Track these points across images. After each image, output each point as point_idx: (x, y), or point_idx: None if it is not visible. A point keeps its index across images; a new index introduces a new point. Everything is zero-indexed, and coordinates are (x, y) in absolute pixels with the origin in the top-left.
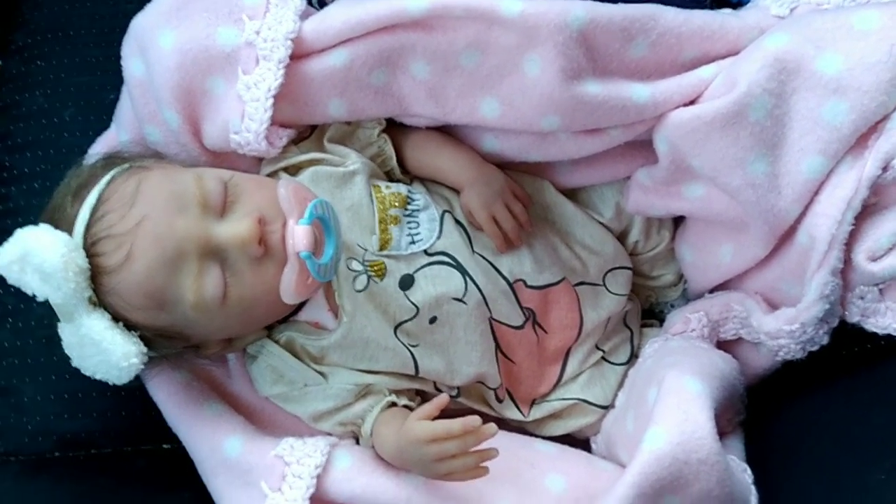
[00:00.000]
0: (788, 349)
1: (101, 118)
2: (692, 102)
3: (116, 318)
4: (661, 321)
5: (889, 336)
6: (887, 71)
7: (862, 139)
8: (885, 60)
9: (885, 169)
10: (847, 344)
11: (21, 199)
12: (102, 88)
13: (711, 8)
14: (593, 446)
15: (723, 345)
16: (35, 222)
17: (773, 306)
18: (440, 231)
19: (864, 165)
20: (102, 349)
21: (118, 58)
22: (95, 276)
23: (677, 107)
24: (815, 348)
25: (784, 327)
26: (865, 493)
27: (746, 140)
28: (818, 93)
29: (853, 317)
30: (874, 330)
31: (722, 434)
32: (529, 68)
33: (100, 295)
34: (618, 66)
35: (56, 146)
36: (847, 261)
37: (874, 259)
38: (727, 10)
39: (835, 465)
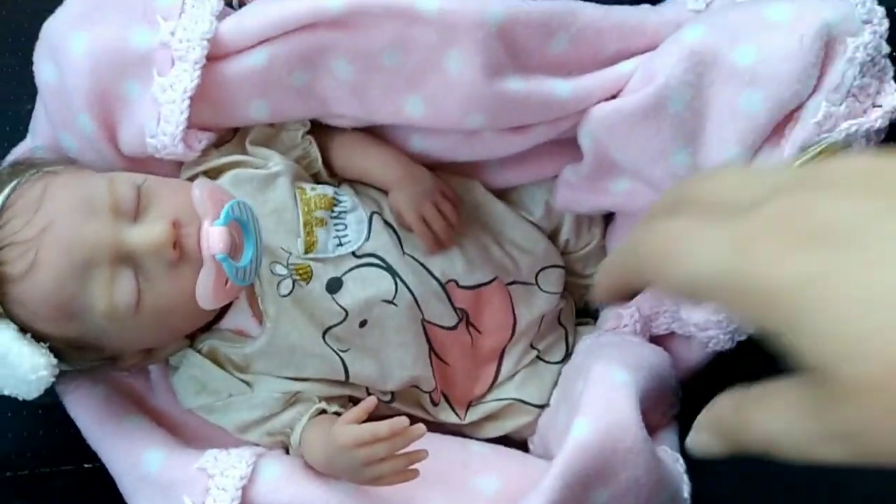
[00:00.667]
0: (717, 340)
1: (18, 129)
2: (614, 97)
3: (23, 328)
4: (596, 319)
5: None
6: (799, 60)
7: (778, 128)
8: (797, 50)
9: None
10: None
11: None
12: (18, 99)
13: (631, 3)
14: (531, 447)
15: (655, 340)
16: None
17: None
18: (368, 232)
19: (782, 154)
20: (8, 362)
21: (31, 65)
22: (0, 285)
23: (599, 101)
24: (742, 338)
25: (711, 318)
26: (793, 477)
27: (667, 132)
28: (734, 83)
29: None
30: None
31: (656, 427)
32: (451, 66)
33: (4, 305)
34: (539, 62)
35: None
36: None
37: None
38: (646, 6)
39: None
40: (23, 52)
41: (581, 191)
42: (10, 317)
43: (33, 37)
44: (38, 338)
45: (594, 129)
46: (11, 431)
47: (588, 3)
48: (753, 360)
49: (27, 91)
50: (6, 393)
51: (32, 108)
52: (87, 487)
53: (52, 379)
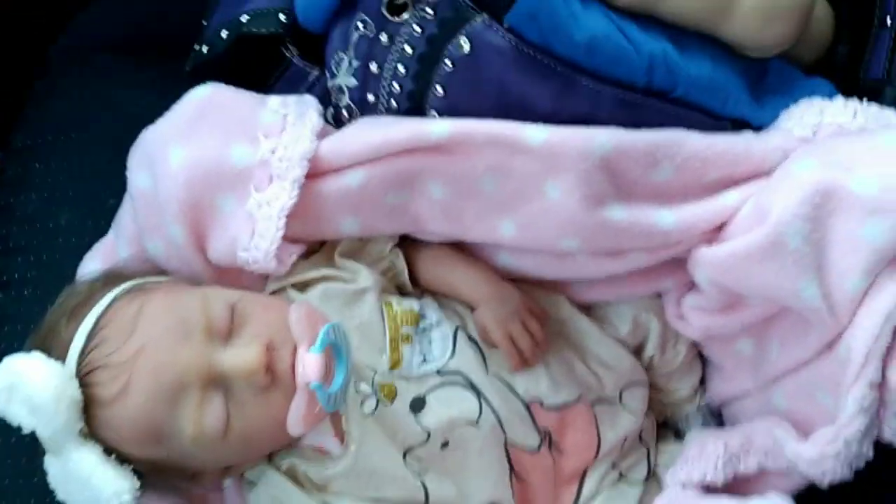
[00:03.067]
0: (835, 472)
1: (99, 223)
2: (719, 229)
3: (108, 451)
4: (676, 434)
5: None
6: None
7: None
8: None
9: None
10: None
11: (10, 307)
12: (102, 193)
13: (732, 130)
14: None
15: (742, 479)
16: (24, 332)
17: (801, 431)
18: (453, 349)
19: None
20: (91, 485)
21: (120, 163)
22: (88, 407)
23: (702, 232)
24: (861, 464)
25: (827, 450)
26: None
27: (790, 269)
28: (855, 214)
29: (886, 435)
30: None
31: None
32: (551, 193)
33: (92, 427)
34: (641, 190)
35: (50, 251)
36: (883, 379)
37: None
38: (749, 133)
39: None
40: (111, 148)
41: (718, 316)
42: (96, 439)
43: (118, 131)
44: (122, 459)
45: (710, 274)
46: None
47: (692, 132)
48: None
49: (111, 186)
50: None
51: (116, 202)
52: None
53: (134, 502)
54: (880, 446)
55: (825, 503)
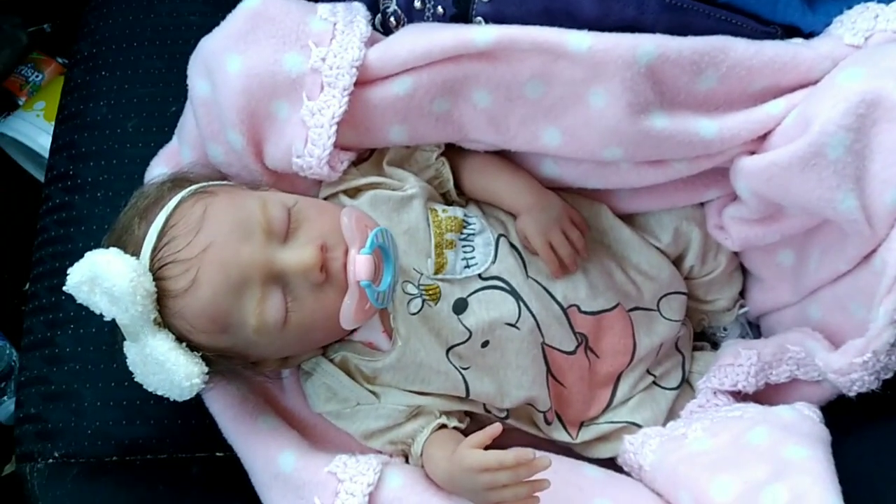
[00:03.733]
0: (863, 381)
1: (164, 130)
2: (762, 139)
3: (180, 339)
4: (713, 344)
5: None
6: None
7: None
8: None
9: None
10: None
11: (84, 208)
12: (164, 100)
13: (782, 38)
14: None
15: (773, 388)
16: (97, 232)
17: (832, 343)
18: (495, 255)
19: None
20: (166, 369)
21: (181, 70)
22: (161, 298)
23: (744, 143)
24: (888, 375)
25: (856, 360)
26: None
27: (830, 179)
28: None
29: None
30: None
31: None
32: (595, 101)
33: (165, 317)
34: (685, 99)
35: (119, 156)
36: None
37: None
38: (798, 40)
39: None
40: (169, 55)
41: (758, 226)
42: (170, 328)
43: (178, 41)
44: (193, 348)
45: (751, 183)
46: (153, 418)
47: (739, 39)
48: None
49: (173, 93)
50: (160, 394)
51: (178, 109)
52: (220, 475)
53: (203, 385)
54: None
55: (852, 414)
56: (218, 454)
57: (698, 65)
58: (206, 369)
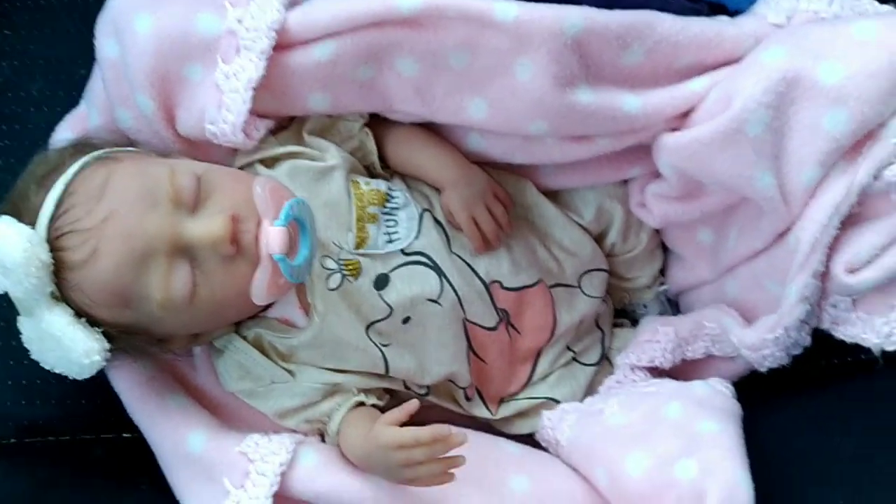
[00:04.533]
0: (774, 357)
1: (71, 94)
2: (684, 116)
3: (79, 313)
4: (633, 321)
5: (858, 354)
6: (887, 80)
7: (856, 145)
8: (886, 69)
9: (875, 177)
10: (817, 357)
11: None
12: (73, 63)
13: (708, 15)
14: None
15: (689, 364)
16: None
17: (746, 319)
18: (419, 230)
19: (857, 172)
20: (63, 345)
21: (90, 31)
22: (59, 270)
23: (668, 119)
24: (798, 351)
25: (767, 336)
26: None
27: (749, 156)
28: (819, 102)
29: (824, 323)
30: (842, 338)
31: None
32: (521, 72)
33: (62, 290)
34: (611, 73)
35: (22, 121)
36: (825, 270)
37: (852, 271)
38: (724, 18)
39: (799, 490)
40: (80, 15)
41: (679, 203)
42: (67, 301)
43: (89, 1)
44: (93, 323)
45: (672, 159)
46: (54, 398)
47: (666, 15)
48: None
49: (82, 55)
50: (58, 372)
51: (87, 72)
52: (125, 457)
53: (104, 363)
54: (817, 333)
55: (766, 391)
56: (124, 435)
57: (624, 39)
58: (107, 346)
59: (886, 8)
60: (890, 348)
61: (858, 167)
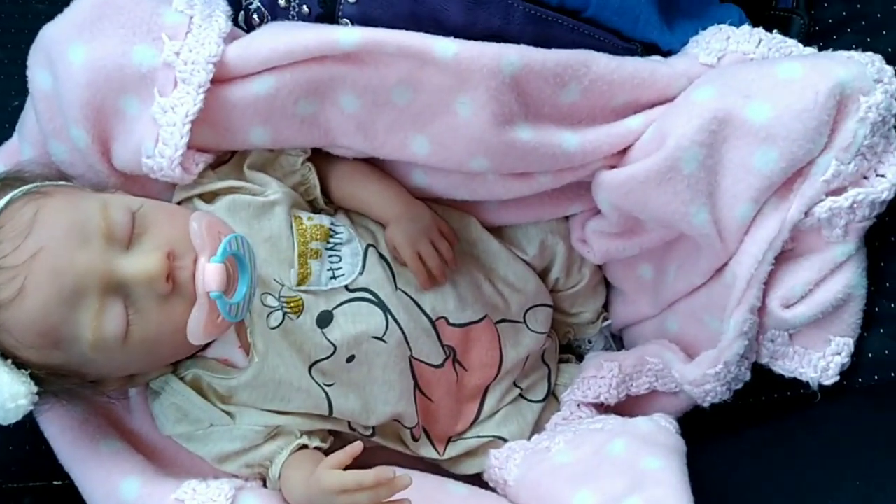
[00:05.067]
0: (715, 392)
1: (3, 126)
2: (622, 153)
3: (5, 354)
4: (578, 356)
5: (797, 388)
6: (813, 119)
7: (788, 182)
8: (811, 108)
9: (806, 214)
10: (758, 392)
11: None
12: (6, 94)
13: (642, 55)
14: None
15: (633, 400)
16: None
17: (688, 355)
18: (363, 266)
19: (789, 209)
20: None
21: (24, 62)
22: None
23: (605, 156)
24: (739, 386)
25: (708, 371)
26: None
27: (684, 193)
28: (748, 141)
29: (763, 358)
30: (781, 372)
31: None
32: (461, 110)
33: None
34: (549, 111)
35: None
36: (762, 305)
37: (787, 306)
38: (657, 58)
39: None
40: (13, 44)
41: (619, 239)
42: None
43: (23, 30)
44: (20, 365)
45: (610, 196)
46: None
47: (601, 54)
48: None
49: (14, 86)
50: None
51: (20, 103)
52: None
53: (31, 407)
54: (757, 368)
55: (708, 425)
56: (55, 483)
57: (562, 77)
58: (35, 389)
59: (810, 50)
60: (826, 382)
61: (790, 204)
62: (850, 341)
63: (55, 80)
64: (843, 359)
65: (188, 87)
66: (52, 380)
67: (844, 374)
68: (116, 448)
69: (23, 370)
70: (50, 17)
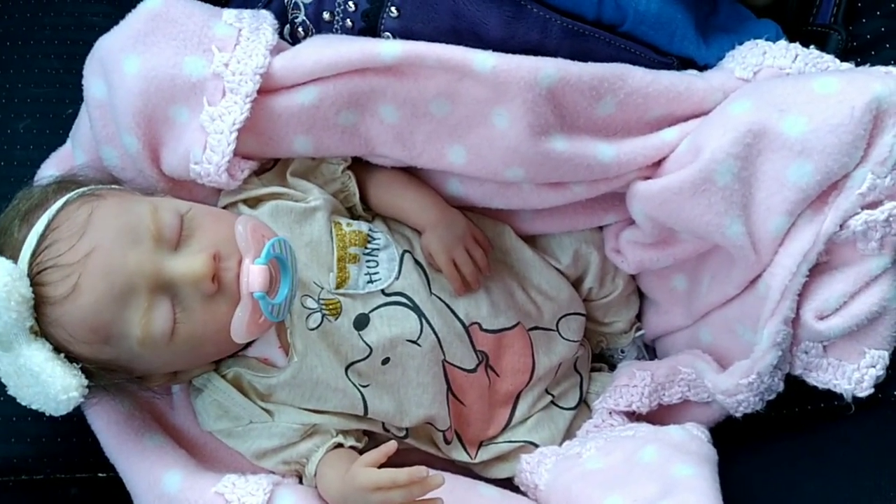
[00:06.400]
0: (748, 402)
1: (58, 132)
2: (657, 165)
3: (58, 349)
4: (610, 365)
5: (831, 400)
6: (849, 133)
7: (823, 195)
8: (847, 122)
9: (841, 227)
10: (790, 403)
11: None
12: (60, 102)
13: (678, 69)
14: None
15: (665, 409)
16: None
17: (721, 365)
18: (399, 271)
19: (823, 221)
20: (41, 381)
21: (79, 71)
22: (39, 305)
23: (640, 168)
24: (772, 397)
25: (741, 381)
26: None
27: (719, 205)
28: (783, 154)
29: (797, 369)
30: (815, 384)
31: None
32: (498, 121)
33: (42, 325)
34: (585, 123)
35: (7, 158)
36: (796, 316)
37: (821, 318)
38: (693, 72)
39: None
40: (68, 55)
41: (653, 250)
42: (47, 337)
43: (78, 41)
44: (72, 359)
45: (644, 207)
46: (30, 436)
47: (637, 68)
48: None
49: (69, 95)
50: (35, 408)
51: (73, 112)
52: (100, 497)
53: (82, 399)
54: (790, 379)
55: (740, 436)
56: (100, 475)
57: (597, 90)
58: (85, 382)
59: (847, 65)
60: (861, 395)
61: (825, 216)
62: (886, 354)
63: (109, 89)
64: (877, 371)
65: (236, 96)
66: (101, 374)
67: (879, 386)
68: (160, 442)
69: (74, 364)
70: (104, 28)
